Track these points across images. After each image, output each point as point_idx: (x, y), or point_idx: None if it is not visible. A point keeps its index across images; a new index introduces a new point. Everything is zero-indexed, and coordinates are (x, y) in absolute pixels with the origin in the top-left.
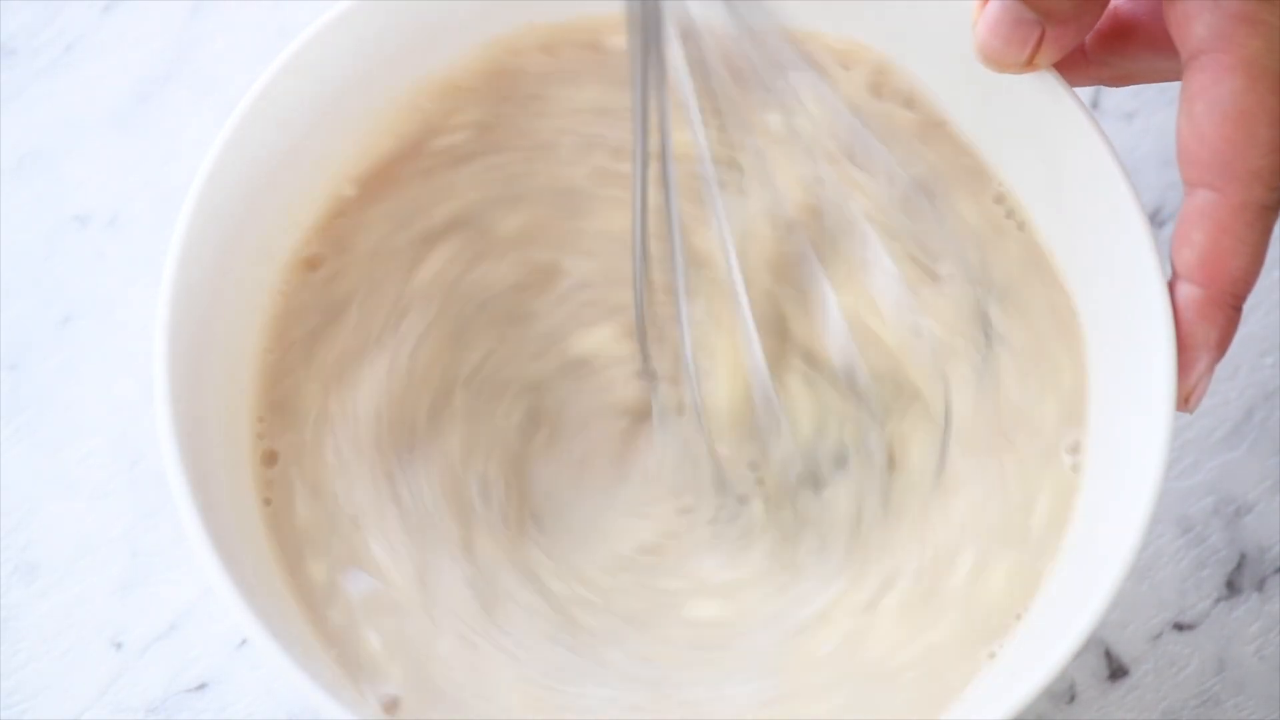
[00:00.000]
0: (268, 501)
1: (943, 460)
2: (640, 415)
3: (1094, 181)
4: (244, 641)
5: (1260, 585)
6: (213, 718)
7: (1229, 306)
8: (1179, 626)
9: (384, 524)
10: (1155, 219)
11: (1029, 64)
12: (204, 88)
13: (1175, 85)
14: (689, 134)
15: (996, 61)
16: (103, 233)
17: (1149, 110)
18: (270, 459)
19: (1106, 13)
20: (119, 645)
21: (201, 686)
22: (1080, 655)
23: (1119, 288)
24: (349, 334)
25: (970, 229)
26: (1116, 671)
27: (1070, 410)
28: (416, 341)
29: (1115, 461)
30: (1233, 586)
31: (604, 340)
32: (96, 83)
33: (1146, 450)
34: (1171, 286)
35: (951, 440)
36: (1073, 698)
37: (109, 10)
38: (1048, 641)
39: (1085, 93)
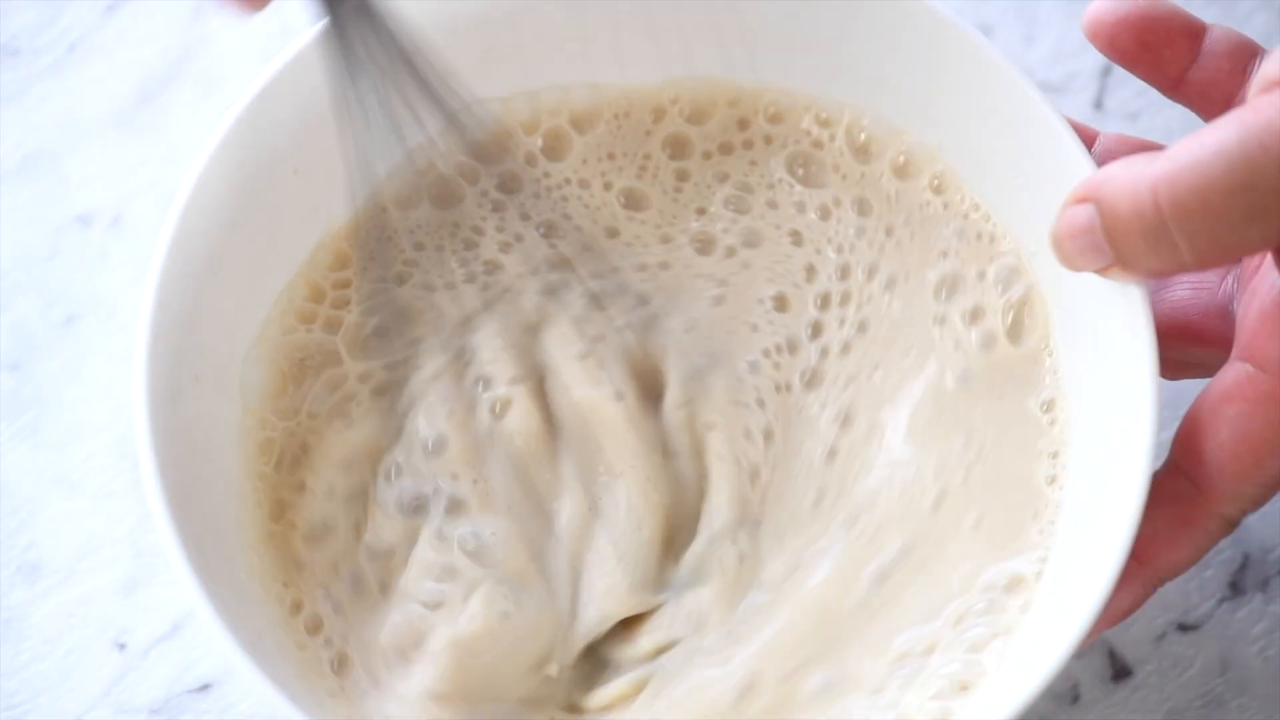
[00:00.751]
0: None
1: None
2: None
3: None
4: None
5: (1264, 586)
6: (216, 718)
7: (1153, 586)
8: (1183, 627)
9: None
10: None
11: (1095, 272)
12: (207, 88)
13: None
14: None
15: (1065, 260)
16: (105, 233)
17: (1153, 110)
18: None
19: (1173, 313)
20: (122, 646)
21: (205, 687)
22: (1084, 656)
23: (1098, 301)
24: None
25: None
26: (1120, 672)
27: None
28: None
29: (1103, 460)
30: (1236, 587)
31: None
32: (99, 83)
33: (1133, 449)
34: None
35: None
36: (1076, 698)
37: (112, 10)
38: (1046, 641)
39: (1089, 92)
